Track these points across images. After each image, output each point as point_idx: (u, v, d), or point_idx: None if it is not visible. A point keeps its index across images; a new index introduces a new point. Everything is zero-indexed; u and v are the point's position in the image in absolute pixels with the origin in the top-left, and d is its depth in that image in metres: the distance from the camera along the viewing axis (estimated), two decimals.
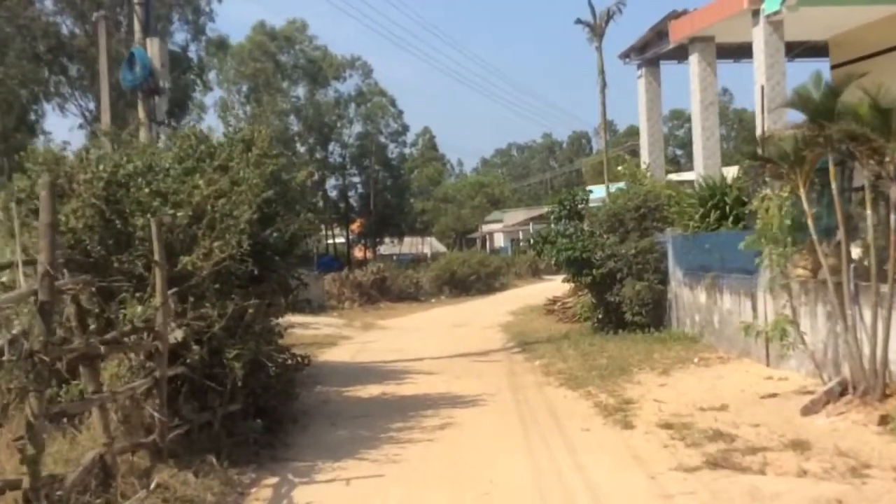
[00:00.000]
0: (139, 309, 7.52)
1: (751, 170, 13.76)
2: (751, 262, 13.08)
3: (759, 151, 11.80)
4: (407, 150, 71.26)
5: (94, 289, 7.60)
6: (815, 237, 10.46)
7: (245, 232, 9.02)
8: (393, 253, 69.53)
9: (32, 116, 40.19)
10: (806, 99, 10.17)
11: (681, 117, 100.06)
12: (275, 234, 10.39)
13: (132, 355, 7.29)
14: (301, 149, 64.27)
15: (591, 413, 10.63)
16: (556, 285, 40.14)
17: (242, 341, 8.47)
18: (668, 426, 9.39)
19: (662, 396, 11.13)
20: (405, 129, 68.72)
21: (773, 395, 10.59)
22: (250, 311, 8.52)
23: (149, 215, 8.17)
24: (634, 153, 44.83)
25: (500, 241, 78.45)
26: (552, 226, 19.99)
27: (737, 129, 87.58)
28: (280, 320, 11.25)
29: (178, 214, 8.45)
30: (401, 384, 13.85)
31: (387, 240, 71.40)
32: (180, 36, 44.52)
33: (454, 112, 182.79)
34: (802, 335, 10.72)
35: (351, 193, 68.59)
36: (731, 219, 15.07)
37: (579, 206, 19.73)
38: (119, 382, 7.25)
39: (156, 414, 7.01)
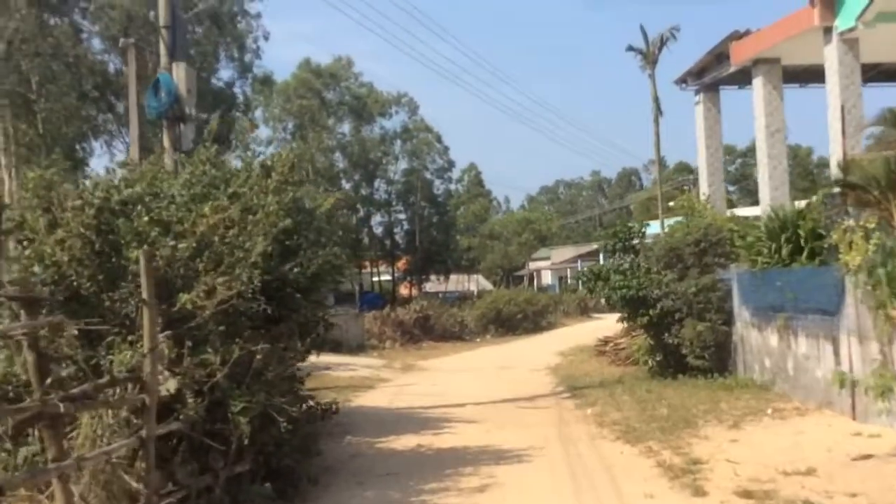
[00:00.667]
0: (127, 355, 6.44)
1: (829, 199, 12.38)
2: (830, 302, 11.69)
3: (842, 177, 10.47)
4: (453, 187, 70.46)
5: (76, 332, 6.56)
6: None
7: (258, 266, 7.94)
8: (439, 290, 68.47)
9: (80, 154, 40.06)
10: None
11: (732, 153, 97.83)
12: (296, 270, 9.29)
13: (112, 412, 6.17)
14: (346, 185, 63.90)
15: (653, 474, 9.26)
16: (606, 324, 38.68)
17: (250, 392, 7.32)
18: (747, 494, 8.00)
19: (736, 455, 9.73)
20: (451, 165, 67.98)
21: (868, 457, 9.13)
22: (258, 356, 7.36)
23: (145, 247, 7.09)
24: (684, 191, 43.37)
25: (547, 278, 77.11)
26: (604, 261, 18.67)
27: (791, 165, 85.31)
28: (302, 365, 10.14)
29: (180, 246, 7.38)
30: (439, 434, 12.58)
31: (433, 277, 70.45)
32: (226, 73, 44.47)
33: (502, 147, 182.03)
34: None
35: (396, 230, 67.92)
36: (805, 253, 13.65)
37: (634, 241, 18.38)
38: (99, 443, 6.15)
39: (134, 483, 5.85)
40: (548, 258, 76.14)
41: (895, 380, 9.14)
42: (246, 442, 7.23)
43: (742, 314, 15.54)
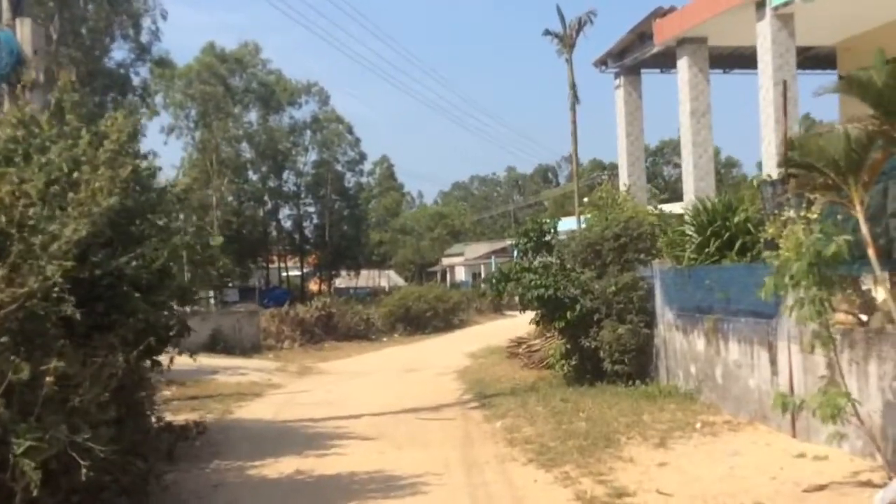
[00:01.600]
0: None
1: (765, 187, 11.05)
2: (766, 304, 10.35)
3: (785, 158, 9.10)
4: (364, 180, 68.66)
5: None
6: (878, 272, 7.72)
7: (70, 257, 6.07)
8: (350, 286, 66.77)
9: None
10: (866, 83, 7.47)
11: (644, 150, 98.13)
12: (134, 263, 7.42)
13: None
14: (254, 177, 61.56)
15: None
16: (519, 322, 37.35)
17: (42, 426, 5.46)
18: None
19: (666, 483, 8.26)
20: (363, 157, 66.18)
21: (821, 488, 7.75)
22: (49, 378, 5.47)
23: None
24: (601, 184, 42.48)
25: (461, 274, 76.06)
26: (516, 260, 17.09)
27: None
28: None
29: None
30: (324, 456, 10.78)
31: (343, 273, 68.59)
32: (120, 54, 41.67)
33: (419, 143, 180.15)
34: (854, 403, 7.90)
35: (306, 224, 65.86)
36: (735, 249, 12.37)
37: (547, 237, 16.86)
38: None
39: None
40: (461, 254, 74.99)
41: (844, 397, 7.73)
42: (35, 493, 5.36)
43: (665, 315, 14.22)
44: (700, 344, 12.65)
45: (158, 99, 55.72)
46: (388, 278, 73.09)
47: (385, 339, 31.45)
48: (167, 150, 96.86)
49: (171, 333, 8.55)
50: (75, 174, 6.76)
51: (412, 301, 35.03)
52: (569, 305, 15.30)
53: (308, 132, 63.92)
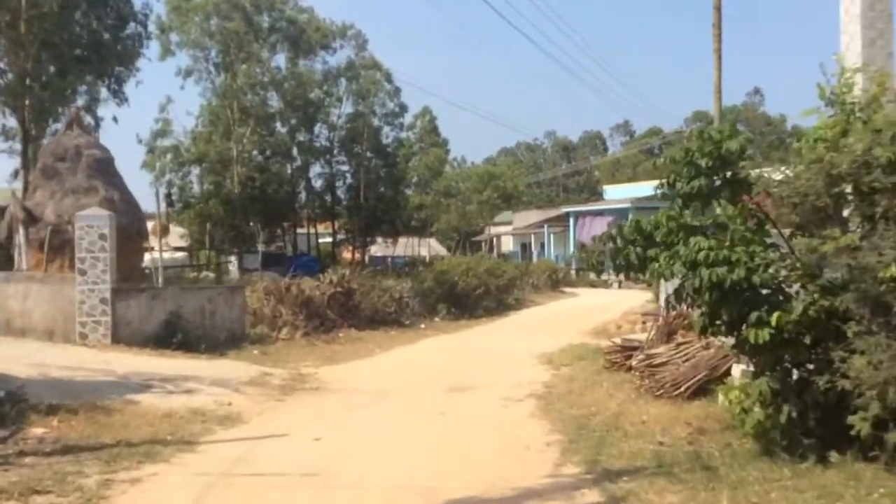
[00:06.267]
0: None
1: None
2: None
3: None
4: (404, 135, 60.88)
5: None
6: None
7: None
8: (386, 255, 59.58)
9: None
10: None
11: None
12: None
13: None
14: (281, 129, 54.46)
15: None
16: (590, 303, 29.79)
17: None
18: None
19: None
20: (403, 109, 58.13)
21: None
22: None
23: None
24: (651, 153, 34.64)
25: (509, 244, 68.65)
26: (667, 210, 9.18)
27: None
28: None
29: None
30: None
31: (379, 240, 61.28)
32: None
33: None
34: None
35: (339, 184, 58.37)
36: None
37: (738, 170, 8.81)
38: None
39: None
40: (509, 223, 67.35)
41: None
42: None
43: None
44: None
45: (174, 37, 48.92)
46: (428, 247, 65.59)
47: (422, 326, 23.80)
48: (184, 95, 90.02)
49: None
50: None
51: (458, 275, 27.37)
52: (776, 302, 7.71)
53: (343, 80, 56.32)
